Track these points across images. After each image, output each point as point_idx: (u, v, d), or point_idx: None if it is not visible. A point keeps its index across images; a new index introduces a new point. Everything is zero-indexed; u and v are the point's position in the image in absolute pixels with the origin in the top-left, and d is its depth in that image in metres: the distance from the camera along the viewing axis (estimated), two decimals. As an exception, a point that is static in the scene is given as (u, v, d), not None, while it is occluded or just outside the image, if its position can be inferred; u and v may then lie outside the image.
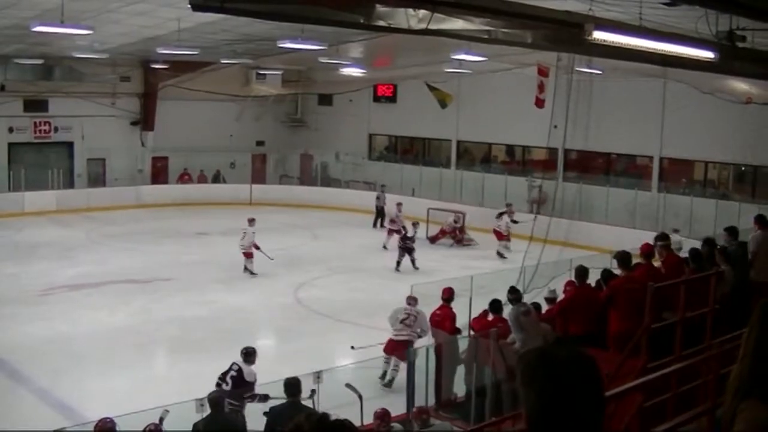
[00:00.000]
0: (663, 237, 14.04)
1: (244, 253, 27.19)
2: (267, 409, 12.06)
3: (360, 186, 42.74)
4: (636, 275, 12.44)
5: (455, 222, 33.29)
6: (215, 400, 11.38)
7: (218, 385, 13.83)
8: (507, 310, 15.07)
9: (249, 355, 14.26)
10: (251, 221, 27.59)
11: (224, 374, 14.05)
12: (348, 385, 12.62)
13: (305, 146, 46.47)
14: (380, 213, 36.59)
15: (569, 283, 15.06)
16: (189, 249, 30.53)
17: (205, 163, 42.92)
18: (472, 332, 15.41)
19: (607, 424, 8.04)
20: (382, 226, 35.63)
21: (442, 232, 33.06)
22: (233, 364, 14.16)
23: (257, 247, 27.08)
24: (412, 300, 17.58)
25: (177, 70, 39.02)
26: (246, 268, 27.02)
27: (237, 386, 13.77)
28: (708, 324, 9.99)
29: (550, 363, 2.35)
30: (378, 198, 37.46)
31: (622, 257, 12.90)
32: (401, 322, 17.12)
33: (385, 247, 30.96)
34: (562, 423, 2.32)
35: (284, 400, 11.92)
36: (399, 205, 32.40)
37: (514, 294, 14.91)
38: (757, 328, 2.92)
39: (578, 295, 13.46)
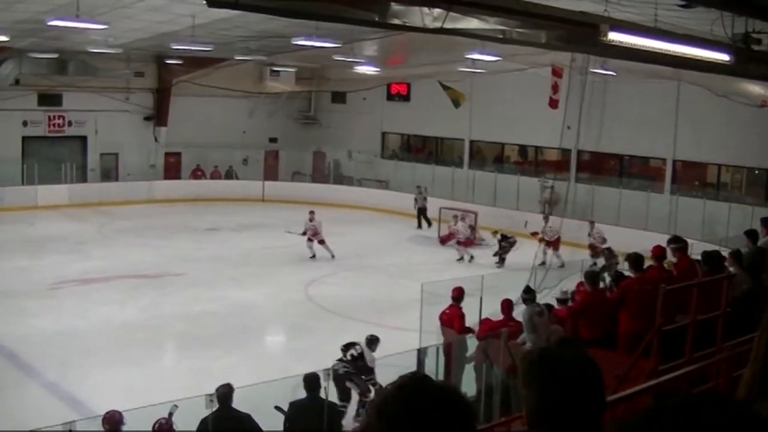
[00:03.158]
0: (676, 240, 13.99)
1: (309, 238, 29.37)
2: (277, 404, 12.05)
3: (372, 184, 42.77)
4: (648, 277, 12.40)
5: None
6: (224, 395, 11.37)
7: (343, 353, 15.36)
8: (518, 310, 15.07)
9: (372, 342, 15.53)
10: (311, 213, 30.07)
11: (347, 347, 15.48)
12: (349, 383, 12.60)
13: (318, 144, 46.48)
14: (422, 213, 36.59)
15: (581, 284, 15.03)
16: (200, 245, 30.56)
17: (218, 159, 42.98)
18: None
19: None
20: (420, 226, 36.29)
21: (451, 234, 32.96)
22: (357, 344, 15.52)
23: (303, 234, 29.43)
24: None
25: (191, 66, 39.11)
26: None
27: (355, 365, 15.05)
28: (719, 327, 9.95)
29: (551, 363, 2.34)
30: (416, 200, 37.33)
31: (635, 259, 12.84)
32: None
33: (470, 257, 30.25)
34: (561, 424, 2.31)
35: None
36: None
37: (529, 294, 14.87)
38: (768, 331, 2.90)
39: (590, 300, 13.41)
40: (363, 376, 15.12)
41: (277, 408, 11.97)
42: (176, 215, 36.30)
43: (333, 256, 28.95)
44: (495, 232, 29.66)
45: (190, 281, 24.97)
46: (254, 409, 11.67)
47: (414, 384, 1.96)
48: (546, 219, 29.86)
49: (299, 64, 41.93)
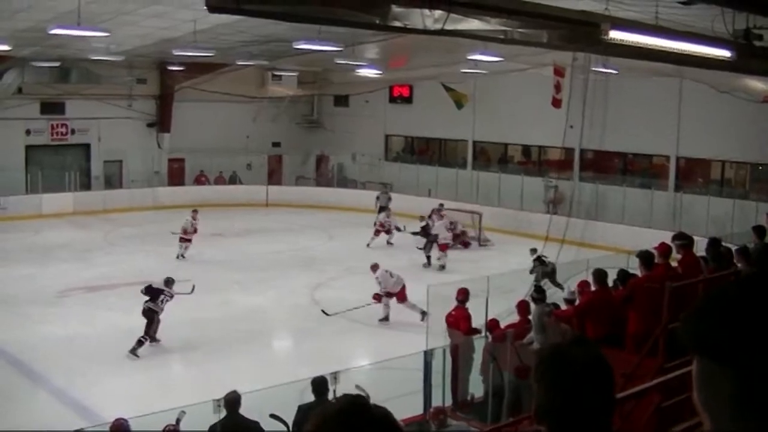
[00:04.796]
0: (681, 236, 13.96)
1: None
2: (273, 412, 11.99)
3: (376, 187, 42.73)
4: (655, 275, 12.36)
5: (451, 227, 33.18)
6: (231, 401, 11.36)
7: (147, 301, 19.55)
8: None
9: (168, 282, 20.03)
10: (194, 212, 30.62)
11: (155, 297, 19.66)
12: (357, 387, 12.59)
13: (321, 147, 46.54)
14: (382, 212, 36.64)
15: (584, 284, 15.01)
16: (205, 250, 30.53)
17: (222, 164, 43.03)
18: (488, 334, 15.35)
19: (626, 423, 8.02)
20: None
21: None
22: (164, 293, 19.78)
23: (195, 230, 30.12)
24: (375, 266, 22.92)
25: (193, 72, 39.11)
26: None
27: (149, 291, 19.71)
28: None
29: (564, 360, 2.34)
30: (378, 198, 37.48)
31: (645, 257, 12.79)
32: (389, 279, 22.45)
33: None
34: (569, 420, 2.31)
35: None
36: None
37: (540, 294, 14.88)
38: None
39: (596, 298, 13.37)
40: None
41: (274, 416, 11.91)
42: (181, 221, 36.22)
43: (181, 257, 29.52)
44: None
45: (196, 287, 24.94)
46: (260, 415, 11.67)
47: (353, 409, 1.95)
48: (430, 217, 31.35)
49: (301, 68, 41.95)
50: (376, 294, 22.31)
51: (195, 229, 29.81)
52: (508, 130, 38.47)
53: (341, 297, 24.60)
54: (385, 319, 22.14)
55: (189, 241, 29.53)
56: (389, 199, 36.95)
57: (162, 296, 19.61)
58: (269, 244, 31.83)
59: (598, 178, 35.18)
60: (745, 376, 1.48)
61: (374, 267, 22.87)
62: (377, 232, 32.29)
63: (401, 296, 22.22)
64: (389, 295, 22.26)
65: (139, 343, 18.90)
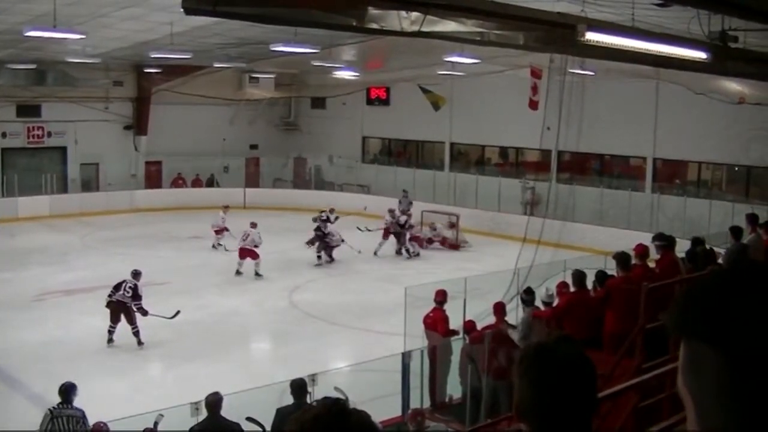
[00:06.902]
0: (661, 237, 14.02)
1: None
2: (249, 415, 11.94)
3: (354, 189, 42.75)
4: (632, 276, 12.41)
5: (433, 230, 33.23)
6: (213, 402, 11.31)
7: (111, 295, 19.84)
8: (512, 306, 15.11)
9: (137, 274, 20.16)
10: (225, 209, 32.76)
11: (118, 287, 19.90)
12: (336, 389, 12.58)
13: (299, 150, 46.47)
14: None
15: (562, 285, 15.03)
16: (183, 253, 30.46)
17: (199, 167, 42.86)
18: (466, 336, 15.34)
19: (603, 423, 8.03)
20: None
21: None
22: (125, 281, 19.98)
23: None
24: (253, 224, 27.85)
25: (170, 74, 39.02)
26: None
27: (135, 297, 19.69)
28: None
29: (548, 356, 2.35)
30: (400, 202, 36.02)
31: (622, 258, 12.84)
32: (243, 239, 27.41)
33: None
34: (551, 418, 2.32)
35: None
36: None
37: (529, 295, 14.88)
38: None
39: (574, 301, 13.39)
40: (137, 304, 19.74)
41: (250, 419, 11.86)
42: (158, 224, 36.15)
43: (219, 246, 31.55)
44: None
45: (174, 290, 24.86)
46: (238, 417, 11.63)
47: (330, 414, 1.94)
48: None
49: (278, 71, 41.89)
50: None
51: (224, 225, 31.58)
52: (485, 131, 38.54)
53: (320, 299, 24.63)
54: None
55: (220, 233, 31.49)
56: (410, 203, 36.38)
57: (123, 284, 19.97)
58: (247, 246, 31.76)
59: (576, 179, 35.27)
60: (728, 357, 1.50)
61: (253, 224, 27.81)
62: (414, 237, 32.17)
63: (244, 253, 27.23)
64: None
65: (136, 333, 19.80)
